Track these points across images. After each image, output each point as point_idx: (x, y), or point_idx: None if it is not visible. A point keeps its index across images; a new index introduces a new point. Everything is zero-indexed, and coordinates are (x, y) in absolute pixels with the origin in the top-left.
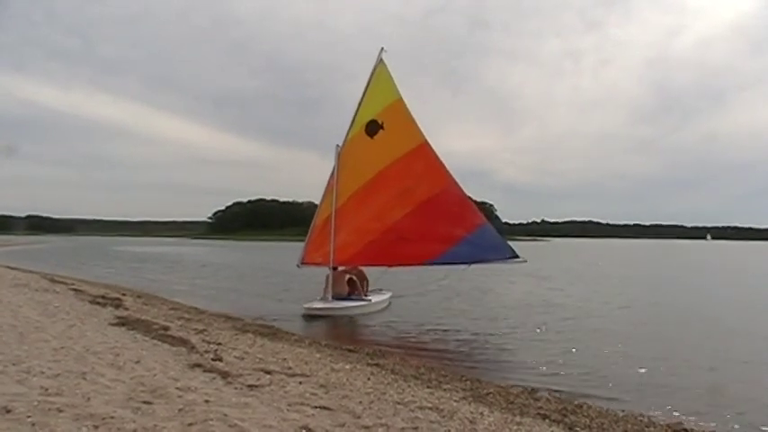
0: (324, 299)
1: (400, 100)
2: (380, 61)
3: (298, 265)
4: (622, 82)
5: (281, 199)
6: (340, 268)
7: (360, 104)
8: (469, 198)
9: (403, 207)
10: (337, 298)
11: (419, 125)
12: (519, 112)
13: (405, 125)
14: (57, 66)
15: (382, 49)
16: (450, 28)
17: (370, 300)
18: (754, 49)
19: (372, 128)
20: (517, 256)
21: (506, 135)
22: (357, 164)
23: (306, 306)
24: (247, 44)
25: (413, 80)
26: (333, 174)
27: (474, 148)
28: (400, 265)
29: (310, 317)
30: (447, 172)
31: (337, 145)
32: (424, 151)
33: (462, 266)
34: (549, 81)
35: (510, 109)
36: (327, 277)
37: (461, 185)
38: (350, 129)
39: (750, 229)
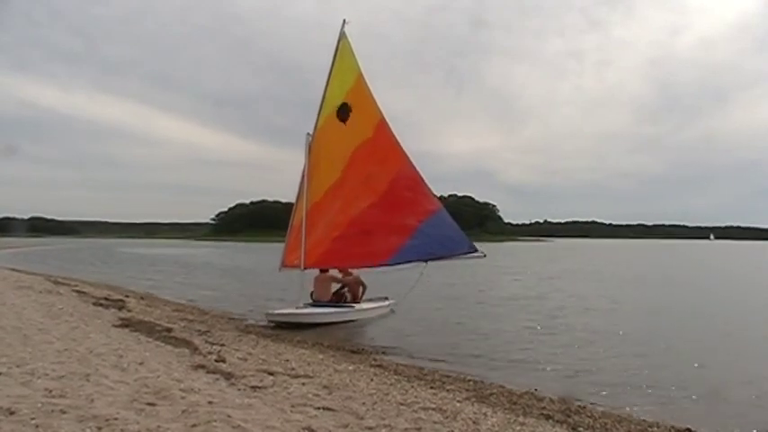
0: (296, 304)
1: (361, 74)
2: (343, 35)
3: (279, 269)
4: (625, 81)
5: (284, 200)
6: (332, 272)
7: (327, 86)
8: (423, 179)
9: (368, 196)
10: (317, 304)
11: (377, 101)
12: (522, 112)
13: (368, 103)
14: (58, 66)
15: (344, 21)
16: (451, 26)
17: (352, 307)
18: (756, 48)
19: (344, 112)
20: (475, 250)
21: (509, 135)
22: (331, 154)
23: (267, 312)
24: (249, 43)
25: (415, 79)
26: (305, 167)
27: (477, 148)
28: (365, 266)
29: (276, 324)
30: (402, 151)
31: (308, 133)
32: (382, 129)
33: (421, 265)
34: (552, 80)
35: (512, 108)
36: (314, 280)
37: (463, 185)
38: (319, 114)
39: (753, 228)
